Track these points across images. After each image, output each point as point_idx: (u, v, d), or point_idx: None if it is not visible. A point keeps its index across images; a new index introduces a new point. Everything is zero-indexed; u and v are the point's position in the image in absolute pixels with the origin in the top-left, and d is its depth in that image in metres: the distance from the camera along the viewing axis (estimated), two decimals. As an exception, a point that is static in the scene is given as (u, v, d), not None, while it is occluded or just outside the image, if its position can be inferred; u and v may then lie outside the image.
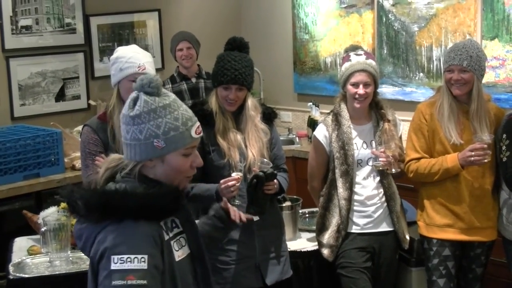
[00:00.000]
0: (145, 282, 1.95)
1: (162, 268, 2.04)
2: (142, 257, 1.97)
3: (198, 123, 2.16)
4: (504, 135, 3.53)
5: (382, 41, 5.59)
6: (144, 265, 1.96)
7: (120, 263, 1.96)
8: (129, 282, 1.94)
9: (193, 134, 2.13)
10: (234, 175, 3.36)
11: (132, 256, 1.96)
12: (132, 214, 2.01)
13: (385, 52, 5.58)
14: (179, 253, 2.13)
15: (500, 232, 3.69)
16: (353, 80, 3.63)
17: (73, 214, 2.11)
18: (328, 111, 3.88)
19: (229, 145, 3.44)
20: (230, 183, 3.32)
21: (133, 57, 3.38)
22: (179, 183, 2.16)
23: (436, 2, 5.22)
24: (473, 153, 3.48)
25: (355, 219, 3.71)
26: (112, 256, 1.97)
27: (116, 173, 2.17)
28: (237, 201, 3.40)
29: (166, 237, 2.09)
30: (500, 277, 4.31)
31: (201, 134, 2.17)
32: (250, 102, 3.53)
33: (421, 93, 5.33)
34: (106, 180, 2.16)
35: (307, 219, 4.26)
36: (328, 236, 3.73)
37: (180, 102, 2.16)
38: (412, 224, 3.90)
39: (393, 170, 3.64)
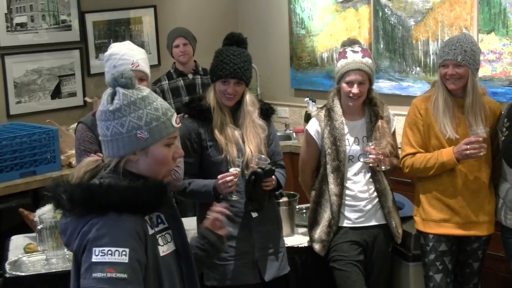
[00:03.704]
0: (125, 276, 1.94)
1: (146, 262, 2.03)
2: (123, 251, 1.95)
3: (176, 114, 2.16)
4: (506, 119, 3.52)
5: (378, 36, 5.58)
6: (125, 259, 1.95)
7: (101, 255, 1.95)
8: (109, 275, 1.93)
9: (173, 123, 2.13)
10: (232, 170, 3.36)
11: (113, 249, 1.95)
12: (115, 207, 2.00)
13: (382, 46, 5.57)
14: (164, 248, 2.12)
15: (501, 222, 3.66)
16: (348, 78, 3.62)
17: (58, 209, 2.10)
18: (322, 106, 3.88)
19: (226, 140, 3.44)
20: (227, 178, 3.32)
21: (126, 54, 3.36)
22: (163, 176, 2.15)
23: (432, -4, 5.21)
24: (468, 146, 3.48)
25: (346, 214, 3.71)
26: (94, 248, 1.96)
27: (96, 173, 2.15)
28: (234, 196, 3.40)
29: (151, 232, 2.08)
30: (499, 271, 4.31)
31: (180, 124, 2.18)
32: (248, 97, 3.52)
33: (418, 87, 5.32)
34: (87, 180, 2.14)
35: (304, 215, 4.25)
36: (319, 231, 3.73)
37: (156, 95, 2.16)
38: (409, 218, 3.90)
39: (383, 167, 3.64)
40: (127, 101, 2.07)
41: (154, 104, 2.10)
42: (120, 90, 2.09)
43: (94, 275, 1.94)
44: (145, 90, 2.13)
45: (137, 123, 2.07)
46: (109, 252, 1.95)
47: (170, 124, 2.12)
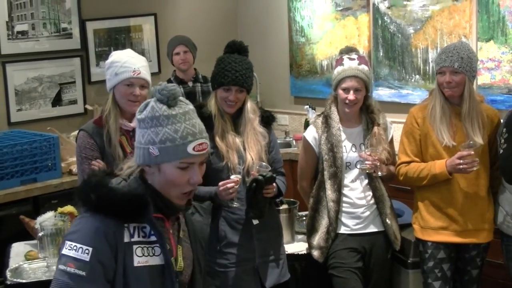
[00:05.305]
0: (83, 273, 2.00)
1: (114, 267, 2.05)
2: (86, 249, 2.01)
3: (201, 141, 2.11)
4: (504, 129, 3.53)
5: (378, 44, 5.60)
6: (86, 257, 2.01)
7: (68, 249, 2.02)
8: (69, 269, 2.00)
9: (189, 149, 2.09)
10: (233, 177, 3.38)
11: (78, 245, 2.02)
12: (93, 206, 2.05)
13: (381, 54, 5.59)
14: (142, 259, 2.10)
15: (502, 230, 3.66)
16: (344, 85, 3.65)
17: None
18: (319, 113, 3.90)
19: (227, 147, 3.45)
20: (228, 185, 3.33)
21: (128, 62, 3.38)
22: (175, 197, 2.15)
23: (431, 4, 5.23)
24: (461, 161, 3.49)
25: (344, 220, 3.73)
26: (66, 241, 2.05)
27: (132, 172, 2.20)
28: (235, 203, 3.42)
29: (127, 239, 2.08)
30: (498, 278, 4.31)
31: (203, 152, 2.11)
32: (249, 105, 3.54)
33: (417, 95, 5.34)
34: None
35: (303, 222, 4.26)
36: (318, 238, 3.74)
37: (191, 117, 2.12)
38: (409, 226, 3.91)
39: (379, 173, 3.66)
40: (151, 115, 2.10)
41: (177, 125, 2.09)
42: (151, 102, 2.12)
43: (59, 266, 2.03)
44: (179, 109, 2.10)
45: (153, 139, 2.09)
46: (75, 247, 2.02)
47: (184, 149, 2.08)
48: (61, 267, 2.02)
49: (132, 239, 2.09)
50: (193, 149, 2.10)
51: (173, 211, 2.19)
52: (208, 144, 2.14)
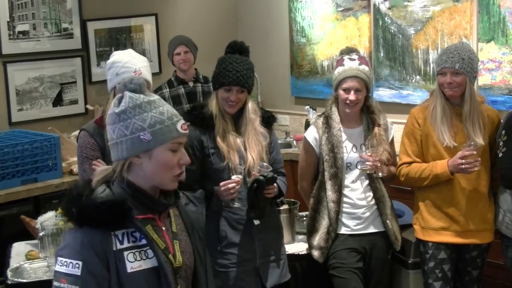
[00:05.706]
0: (77, 287, 2.01)
1: (108, 277, 2.04)
2: (76, 263, 2.01)
3: (183, 121, 2.15)
4: (503, 131, 3.54)
5: (378, 44, 5.61)
6: (77, 271, 2.01)
7: (59, 265, 2.03)
8: (62, 285, 2.02)
9: (179, 128, 2.12)
10: (234, 177, 3.37)
11: (68, 261, 2.02)
12: (76, 220, 2.05)
13: (382, 55, 5.60)
14: (135, 264, 2.08)
15: (501, 231, 3.67)
16: (344, 85, 3.65)
17: None
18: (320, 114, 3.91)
19: (228, 148, 3.45)
20: (229, 186, 3.33)
21: (129, 62, 3.39)
22: (169, 181, 2.14)
23: (432, 5, 5.24)
24: (464, 161, 3.49)
25: (345, 221, 3.73)
26: (57, 257, 2.05)
27: (107, 181, 2.16)
28: (236, 203, 3.42)
29: (116, 247, 2.07)
30: (498, 279, 4.32)
31: (187, 131, 2.16)
32: (250, 105, 3.54)
33: (417, 95, 5.34)
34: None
35: (304, 222, 4.26)
36: (318, 238, 3.74)
37: (164, 102, 2.16)
38: (409, 226, 3.91)
39: (380, 174, 3.66)
40: (132, 104, 2.09)
41: (160, 108, 2.11)
42: (127, 94, 2.11)
43: (54, 282, 2.04)
44: (154, 96, 2.14)
45: (141, 125, 2.08)
46: (65, 263, 2.02)
47: (175, 128, 2.11)
48: (55, 283, 2.03)
49: (122, 246, 2.08)
50: (181, 127, 2.13)
51: (162, 207, 2.18)
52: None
